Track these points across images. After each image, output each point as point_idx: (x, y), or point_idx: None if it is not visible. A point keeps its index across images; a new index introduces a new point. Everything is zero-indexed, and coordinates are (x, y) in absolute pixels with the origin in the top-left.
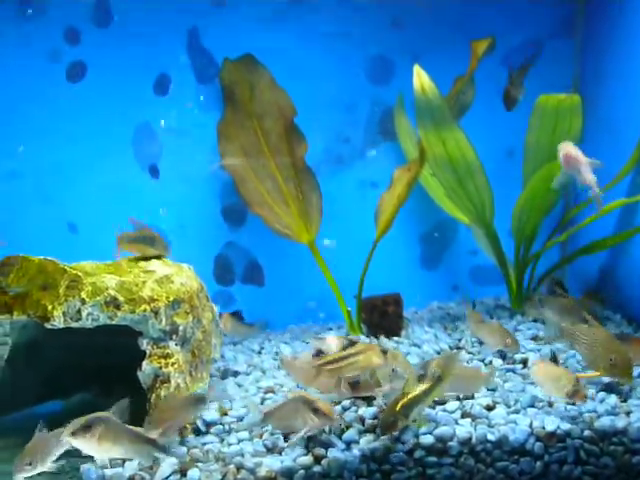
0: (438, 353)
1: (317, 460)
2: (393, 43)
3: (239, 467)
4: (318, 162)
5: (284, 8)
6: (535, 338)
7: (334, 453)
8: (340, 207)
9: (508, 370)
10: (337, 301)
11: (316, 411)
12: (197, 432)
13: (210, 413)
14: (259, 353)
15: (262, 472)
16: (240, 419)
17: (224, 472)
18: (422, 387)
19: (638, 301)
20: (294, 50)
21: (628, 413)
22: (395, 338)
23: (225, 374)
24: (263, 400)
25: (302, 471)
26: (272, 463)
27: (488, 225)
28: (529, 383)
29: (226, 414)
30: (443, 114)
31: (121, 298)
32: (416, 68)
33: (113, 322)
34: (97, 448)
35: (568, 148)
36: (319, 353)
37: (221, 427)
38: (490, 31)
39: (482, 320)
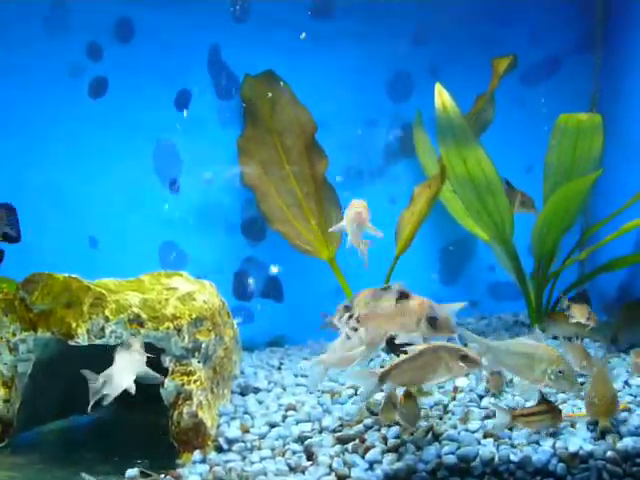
0: None
1: None
2: (413, 60)
3: None
4: (338, 178)
5: (305, 25)
6: None
7: (357, 473)
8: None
9: None
10: None
11: (465, 358)
12: (219, 449)
13: (232, 430)
14: (279, 369)
15: None
16: (262, 436)
17: None
18: None
19: None
20: (314, 66)
21: None
22: None
23: (246, 390)
24: (284, 417)
25: None
26: None
27: (507, 242)
28: None
29: (247, 431)
30: (464, 132)
31: (144, 316)
32: (438, 86)
33: None
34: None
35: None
36: (402, 296)
37: (243, 444)
38: (510, 48)
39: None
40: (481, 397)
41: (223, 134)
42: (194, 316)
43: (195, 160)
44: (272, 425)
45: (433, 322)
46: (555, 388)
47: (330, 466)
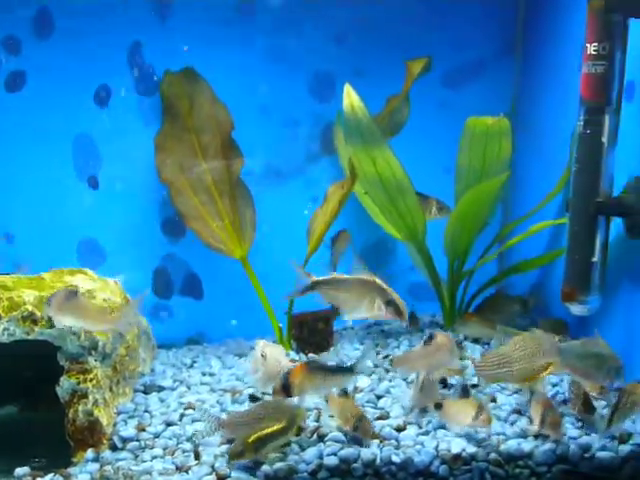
0: None
1: None
2: (336, 59)
3: None
4: (258, 177)
5: (227, 23)
6: (461, 358)
7: (238, 473)
8: (279, 222)
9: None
10: (268, 316)
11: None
12: (113, 448)
13: (127, 429)
14: (191, 367)
15: None
16: (157, 435)
17: None
18: (279, 425)
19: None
20: (236, 65)
21: (537, 436)
22: (324, 354)
23: (149, 389)
24: (182, 416)
25: None
26: None
27: (420, 243)
28: None
29: (144, 430)
30: (372, 133)
31: (39, 313)
32: (346, 87)
33: (30, 337)
34: None
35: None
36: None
37: (137, 443)
38: (433, 50)
39: None
40: (379, 397)
41: (143, 131)
42: None
43: (114, 156)
44: (169, 424)
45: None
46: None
47: (212, 466)
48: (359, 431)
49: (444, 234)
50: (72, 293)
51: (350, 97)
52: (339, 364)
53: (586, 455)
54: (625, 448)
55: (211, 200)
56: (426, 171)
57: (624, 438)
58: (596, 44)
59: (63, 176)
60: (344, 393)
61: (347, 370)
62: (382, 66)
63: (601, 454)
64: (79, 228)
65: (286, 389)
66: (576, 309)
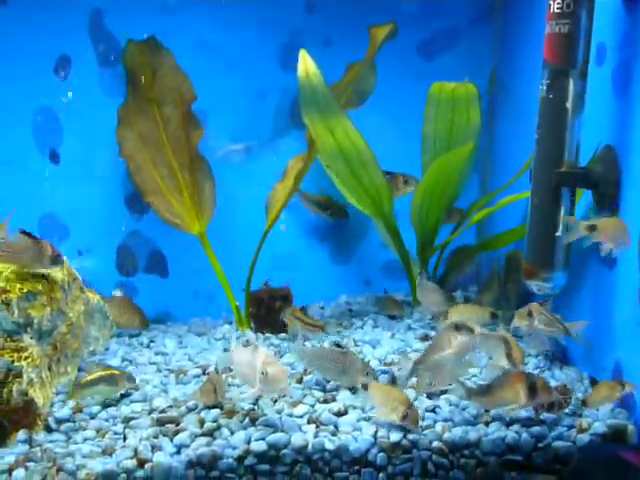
0: None
1: (141, 464)
2: (306, 29)
3: (59, 469)
4: (226, 151)
5: None
6: (425, 338)
7: (160, 457)
8: (247, 197)
9: (384, 372)
10: (226, 295)
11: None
12: (48, 429)
13: (63, 410)
14: (148, 347)
15: (82, 475)
16: (93, 417)
17: (44, 473)
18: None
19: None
20: (203, 35)
21: (488, 423)
22: (282, 335)
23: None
24: (121, 396)
25: (124, 475)
26: (95, 466)
27: (387, 217)
28: None
29: (80, 411)
30: (329, 102)
31: None
32: (301, 53)
33: None
34: None
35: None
36: None
37: (72, 424)
38: (407, 17)
39: None
40: (329, 380)
41: (106, 103)
42: (25, 290)
43: (76, 129)
44: (107, 405)
45: None
46: None
47: (136, 449)
48: (408, 420)
49: (410, 209)
50: None
51: (305, 63)
52: None
53: (540, 445)
54: (584, 438)
55: (171, 173)
56: (405, 142)
57: (583, 427)
58: (560, 1)
59: (23, 150)
60: (392, 380)
61: None
62: (353, 35)
63: (557, 444)
64: (40, 203)
65: None
66: (538, 287)
